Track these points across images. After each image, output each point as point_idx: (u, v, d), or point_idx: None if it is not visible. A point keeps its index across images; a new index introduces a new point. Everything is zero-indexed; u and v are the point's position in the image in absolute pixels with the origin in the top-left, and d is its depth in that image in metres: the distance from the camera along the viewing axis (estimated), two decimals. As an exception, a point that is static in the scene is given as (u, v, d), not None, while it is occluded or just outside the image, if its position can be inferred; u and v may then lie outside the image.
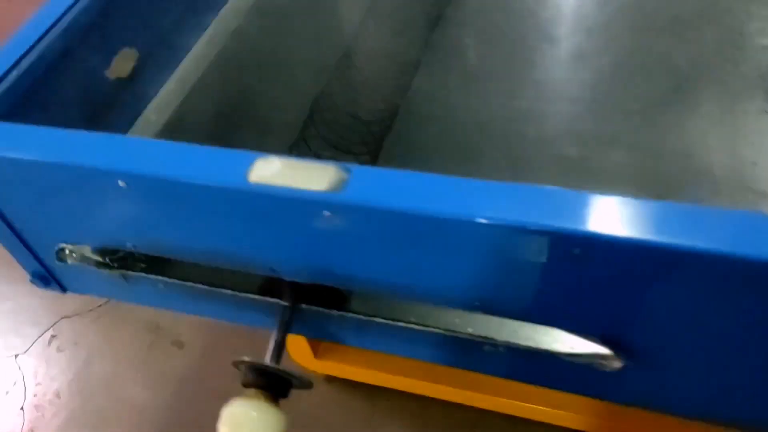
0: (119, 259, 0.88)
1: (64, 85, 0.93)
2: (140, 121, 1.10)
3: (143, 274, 0.88)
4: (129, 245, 0.83)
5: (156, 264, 0.86)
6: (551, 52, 1.12)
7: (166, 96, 1.14)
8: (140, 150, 0.72)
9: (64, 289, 0.98)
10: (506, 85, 1.07)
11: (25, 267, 0.95)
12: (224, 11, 1.23)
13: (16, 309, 2.08)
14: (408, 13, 1.15)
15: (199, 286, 0.84)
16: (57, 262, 0.89)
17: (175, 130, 1.10)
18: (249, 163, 0.68)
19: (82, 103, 0.98)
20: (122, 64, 0.95)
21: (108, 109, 1.04)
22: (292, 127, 1.09)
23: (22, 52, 0.87)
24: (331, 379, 1.84)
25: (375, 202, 0.64)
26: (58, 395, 1.90)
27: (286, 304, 0.82)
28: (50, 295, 2.16)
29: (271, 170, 0.68)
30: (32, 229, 0.88)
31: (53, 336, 2.02)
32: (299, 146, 0.97)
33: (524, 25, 1.17)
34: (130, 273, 0.88)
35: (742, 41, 1.07)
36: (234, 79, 1.18)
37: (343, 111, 0.97)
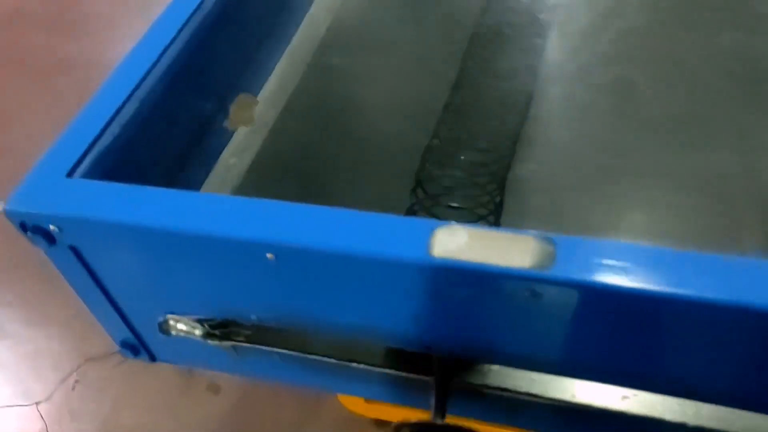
0: (230, 332, 0.78)
1: (156, 143, 0.83)
2: (218, 167, 1.00)
3: (258, 346, 0.77)
4: (253, 317, 0.73)
5: (277, 337, 0.76)
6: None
7: (245, 137, 1.04)
8: (292, 218, 0.62)
9: (153, 358, 0.87)
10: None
11: (113, 336, 0.84)
12: (298, 43, 1.13)
13: (36, 352, 1.94)
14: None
15: (332, 360, 0.74)
16: (158, 334, 0.79)
17: (260, 173, 0.99)
18: (428, 233, 0.59)
19: (166, 158, 0.88)
20: (241, 112, 0.84)
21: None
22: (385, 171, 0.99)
23: (117, 105, 0.76)
24: (381, 424, 1.74)
25: (591, 279, 0.55)
26: (84, 446, 1.77)
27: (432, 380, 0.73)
28: (72, 336, 2.03)
29: (457, 242, 0.58)
30: (132, 298, 0.77)
31: (77, 381, 1.88)
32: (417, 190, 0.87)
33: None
34: (244, 345, 0.78)
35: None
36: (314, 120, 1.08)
37: (460, 153, 0.88)
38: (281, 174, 1.00)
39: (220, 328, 0.78)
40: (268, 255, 0.62)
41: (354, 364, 0.73)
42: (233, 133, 1.02)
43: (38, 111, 2.47)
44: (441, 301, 0.62)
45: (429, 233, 0.59)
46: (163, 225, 0.64)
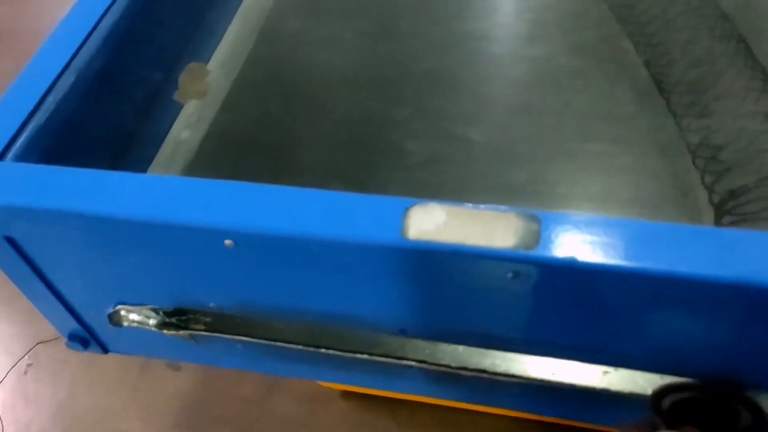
0: (188, 320, 0.72)
1: (99, 118, 0.75)
2: (168, 141, 0.93)
3: (218, 335, 0.72)
4: (212, 305, 0.68)
5: (239, 324, 0.71)
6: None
7: (196, 109, 0.96)
8: (251, 200, 0.56)
9: (106, 350, 0.81)
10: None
11: (60, 329, 0.78)
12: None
13: (-17, 337, 1.85)
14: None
15: (299, 347, 0.70)
16: (108, 325, 0.73)
17: (214, 147, 0.93)
18: (401, 213, 0.54)
19: (111, 134, 0.80)
20: (191, 83, 0.76)
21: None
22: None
23: (52, 77, 0.69)
24: (347, 395, 1.72)
25: (578, 259, 0.51)
26: (40, 433, 1.70)
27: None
28: (23, 319, 1.95)
29: (433, 222, 0.54)
30: (79, 289, 0.71)
31: (29, 365, 1.81)
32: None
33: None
34: (203, 334, 0.72)
35: None
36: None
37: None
38: (237, 148, 0.94)
39: (176, 316, 0.72)
40: (227, 242, 0.56)
41: (322, 350, 0.68)
42: (183, 105, 0.95)
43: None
44: (416, 285, 0.58)
45: (402, 212, 0.54)
46: (109, 212, 0.58)
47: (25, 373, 1.84)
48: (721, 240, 0.50)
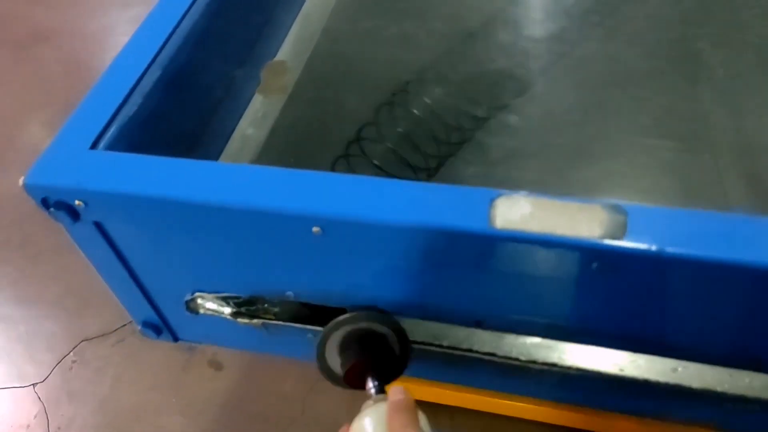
0: (260, 309, 0.74)
1: (178, 112, 0.78)
2: (236, 136, 0.96)
3: (292, 324, 0.74)
4: (290, 293, 0.70)
5: (313, 314, 0.73)
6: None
7: (262, 106, 0.99)
8: (339, 189, 0.58)
9: (176, 338, 0.83)
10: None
11: (134, 316, 0.81)
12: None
13: (30, 334, 1.89)
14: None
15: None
16: (185, 312, 0.75)
17: (280, 143, 0.95)
18: (487, 204, 0.56)
19: (187, 128, 0.83)
20: (274, 79, 0.79)
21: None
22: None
23: (139, 72, 0.72)
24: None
25: (666, 248, 0.52)
26: (84, 427, 1.73)
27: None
28: (67, 316, 1.98)
29: (519, 212, 0.55)
30: (158, 276, 0.73)
31: (74, 361, 1.84)
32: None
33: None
34: (278, 323, 0.74)
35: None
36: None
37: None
38: (302, 143, 0.96)
39: (248, 306, 0.74)
40: (314, 229, 0.58)
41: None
42: (249, 101, 0.98)
43: (22, 81, 2.38)
44: (501, 275, 0.59)
45: (488, 203, 0.56)
46: (195, 198, 0.60)
47: (70, 369, 1.88)
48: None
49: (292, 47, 1.02)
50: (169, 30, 0.77)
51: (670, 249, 0.52)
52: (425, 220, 0.55)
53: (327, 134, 0.91)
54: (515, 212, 0.55)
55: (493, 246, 0.55)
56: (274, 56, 1.00)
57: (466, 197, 0.57)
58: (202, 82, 0.81)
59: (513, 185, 0.78)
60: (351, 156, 0.81)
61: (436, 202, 0.56)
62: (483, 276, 0.60)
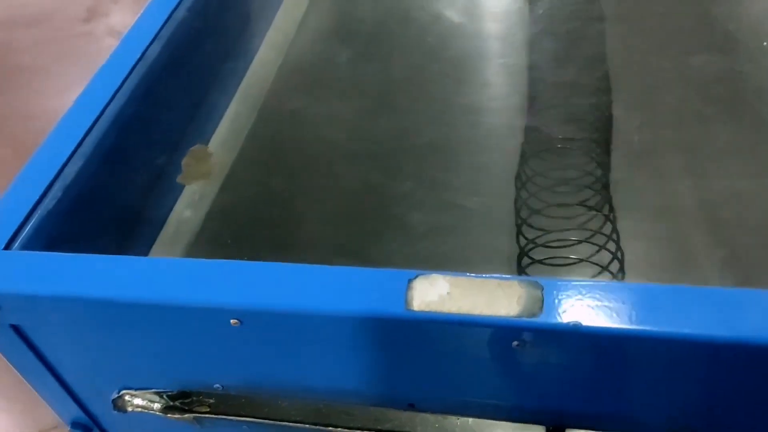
0: (192, 402, 0.71)
1: (105, 201, 0.77)
2: (172, 221, 0.94)
3: (223, 417, 0.71)
4: (217, 386, 0.67)
5: (244, 405, 0.70)
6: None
7: (199, 188, 0.98)
8: (255, 279, 0.57)
9: (109, 437, 0.79)
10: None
11: (62, 417, 0.77)
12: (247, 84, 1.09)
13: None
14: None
15: (305, 426, 0.69)
16: (112, 411, 0.72)
17: (217, 226, 0.94)
18: (404, 285, 0.55)
19: (116, 216, 0.82)
20: (195, 166, 0.78)
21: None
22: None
23: (60, 164, 0.71)
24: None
25: (580, 324, 0.51)
26: None
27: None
28: (22, 408, 1.91)
29: (437, 293, 0.54)
30: (83, 375, 0.71)
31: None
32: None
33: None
34: (209, 416, 0.71)
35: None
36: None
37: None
38: (239, 226, 0.95)
39: (181, 399, 0.72)
40: (232, 321, 0.57)
41: (330, 429, 0.67)
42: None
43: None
44: (423, 357, 0.58)
45: (405, 284, 0.55)
46: (114, 296, 0.58)
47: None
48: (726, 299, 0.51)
49: (228, 128, 1.02)
50: (95, 116, 0.76)
51: (587, 324, 0.51)
52: (340, 307, 0.54)
53: (261, 216, 0.90)
54: (433, 293, 0.54)
55: (412, 329, 0.54)
56: (209, 140, 1.00)
57: (383, 280, 0.55)
58: (131, 169, 0.81)
59: (437, 262, 0.78)
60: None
61: (352, 287, 0.55)
62: (410, 358, 0.58)
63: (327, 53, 1.13)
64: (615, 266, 0.76)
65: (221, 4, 1.06)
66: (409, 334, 0.55)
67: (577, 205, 0.79)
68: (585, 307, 0.52)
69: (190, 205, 0.96)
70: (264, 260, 0.59)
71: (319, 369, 0.61)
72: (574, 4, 1.13)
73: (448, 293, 0.54)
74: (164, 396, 0.71)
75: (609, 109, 0.91)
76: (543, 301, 0.52)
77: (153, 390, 0.70)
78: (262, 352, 0.60)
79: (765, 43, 1.04)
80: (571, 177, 0.82)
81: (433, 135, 0.93)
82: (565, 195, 0.80)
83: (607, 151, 0.85)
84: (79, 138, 0.74)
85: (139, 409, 0.71)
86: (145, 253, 0.89)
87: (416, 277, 0.55)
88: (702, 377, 0.54)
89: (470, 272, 0.55)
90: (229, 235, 0.93)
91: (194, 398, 0.72)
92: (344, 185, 0.89)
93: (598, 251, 0.76)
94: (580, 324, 0.51)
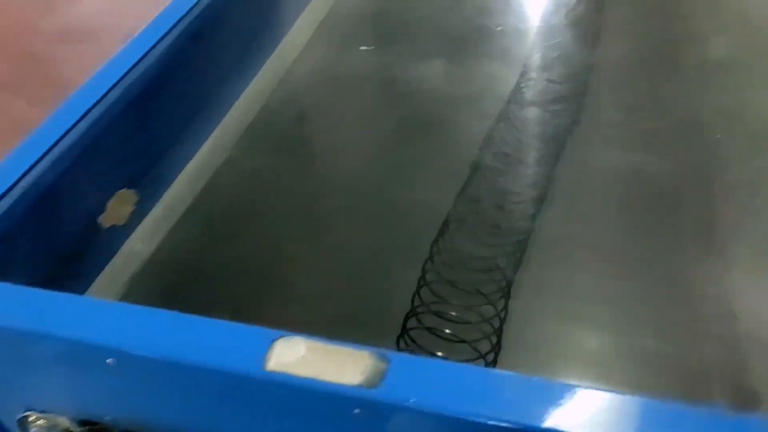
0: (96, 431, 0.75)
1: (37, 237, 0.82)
2: (124, 251, 1.00)
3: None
4: (107, 419, 0.71)
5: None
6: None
7: (154, 221, 1.04)
8: (135, 321, 0.61)
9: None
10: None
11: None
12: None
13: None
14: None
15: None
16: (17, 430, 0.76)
17: (166, 260, 0.99)
18: (267, 344, 0.58)
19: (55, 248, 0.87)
20: (118, 208, 0.84)
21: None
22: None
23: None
24: None
25: (414, 401, 0.54)
26: None
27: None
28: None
29: (294, 355, 0.57)
30: (-7, 391, 0.75)
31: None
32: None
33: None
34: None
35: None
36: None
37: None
38: (187, 263, 1.00)
39: (89, 426, 0.75)
40: (108, 360, 0.61)
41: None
42: (143, 217, 1.03)
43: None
44: (283, 415, 0.60)
45: (269, 344, 0.58)
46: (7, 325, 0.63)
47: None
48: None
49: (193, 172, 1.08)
50: (43, 150, 0.82)
51: (420, 402, 0.53)
52: (202, 359, 0.58)
53: (212, 257, 0.95)
54: (291, 355, 0.57)
55: (267, 387, 0.57)
56: (175, 178, 1.06)
57: (252, 337, 0.59)
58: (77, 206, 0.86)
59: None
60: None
61: (220, 340, 0.59)
62: (268, 415, 0.61)
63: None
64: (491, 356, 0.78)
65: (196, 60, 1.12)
66: (265, 392, 0.58)
67: (477, 291, 0.82)
68: (423, 385, 0.54)
69: (144, 238, 1.02)
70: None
71: (187, 415, 0.65)
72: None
73: (303, 357, 0.57)
74: (70, 421, 0.75)
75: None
76: (385, 374, 0.55)
77: (58, 414, 0.74)
78: (135, 392, 0.64)
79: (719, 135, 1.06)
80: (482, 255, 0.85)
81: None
82: (472, 273, 0.84)
83: (524, 246, 0.88)
84: (24, 168, 0.80)
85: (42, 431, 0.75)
86: (90, 284, 0.94)
87: (279, 338, 0.58)
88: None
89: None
90: (178, 270, 0.98)
91: (101, 427, 0.75)
92: (270, 243, 0.95)
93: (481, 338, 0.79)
94: (409, 401, 0.53)
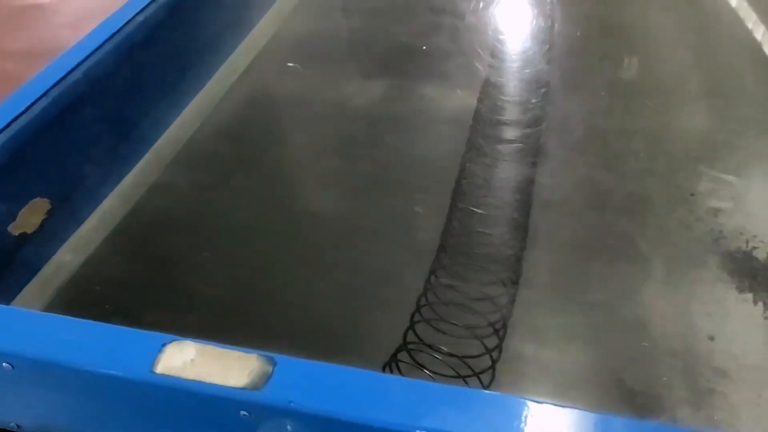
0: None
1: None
2: (53, 262, 1.00)
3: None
4: (12, 425, 0.71)
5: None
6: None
7: (86, 234, 1.04)
8: (29, 326, 0.62)
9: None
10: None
11: None
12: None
13: None
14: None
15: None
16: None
17: (93, 273, 0.99)
18: (159, 349, 0.59)
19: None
20: (29, 216, 0.85)
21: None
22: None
23: None
24: None
25: (299, 403, 0.55)
26: None
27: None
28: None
29: (182, 359, 0.58)
30: None
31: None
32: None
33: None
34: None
35: (694, 202, 1.05)
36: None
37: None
38: (114, 274, 1.01)
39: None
40: (4, 364, 0.61)
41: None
42: (75, 230, 1.04)
43: None
44: (174, 419, 0.61)
45: (159, 348, 0.59)
46: None
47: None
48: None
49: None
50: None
51: (300, 403, 0.54)
52: (90, 363, 0.58)
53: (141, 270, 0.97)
54: (179, 359, 0.58)
55: (155, 390, 0.58)
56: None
57: (143, 341, 0.60)
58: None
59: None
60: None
61: (111, 345, 0.60)
62: (160, 416, 0.62)
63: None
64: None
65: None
66: (153, 395, 0.59)
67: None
68: (306, 388, 0.55)
69: (75, 250, 1.03)
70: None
71: (85, 416, 0.65)
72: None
73: (192, 360, 0.58)
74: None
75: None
76: (270, 376, 0.56)
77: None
78: (35, 396, 0.64)
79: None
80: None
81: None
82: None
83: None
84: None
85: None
86: (17, 294, 0.94)
87: (171, 342, 0.59)
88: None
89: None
90: (103, 281, 0.99)
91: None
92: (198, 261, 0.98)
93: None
94: (291, 403, 0.54)
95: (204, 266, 0.98)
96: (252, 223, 1.04)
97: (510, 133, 1.18)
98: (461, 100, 1.26)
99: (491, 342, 0.85)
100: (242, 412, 0.57)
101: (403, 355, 0.83)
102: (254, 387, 0.56)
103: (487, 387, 0.81)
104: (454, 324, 0.86)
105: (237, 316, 0.89)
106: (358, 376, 0.57)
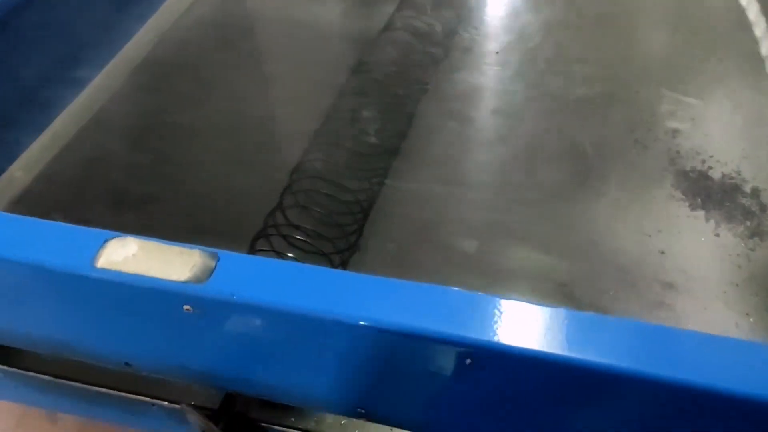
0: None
1: None
2: (4, 178, 0.98)
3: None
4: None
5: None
6: (457, 131, 1.07)
7: (38, 152, 1.02)
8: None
9: None
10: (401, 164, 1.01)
11: None
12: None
13: None
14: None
15: (43, 377, 0.72)
16: None
17: (45, 188, 0.98)
18: (100, 244, 0.58)
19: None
20: None
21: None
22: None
23: None
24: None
25: (243, 296, 0.55)
26: None
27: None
28: None
29: (124, 254, 0.58)
30: None
31: None
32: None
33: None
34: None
35: (653, 123, 1.05)
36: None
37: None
38: (71, 190, 1.00)
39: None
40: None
41: (62, 381, 0.70)
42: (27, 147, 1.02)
43: None
44: (117, 315, 0.61)
45: (101, 244, 0.58)
46: None
47: None
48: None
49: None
50: None
51: (244, 296, 0.54)
52: (33, 258, 0.58)
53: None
54: (121, 254, 0.57)
55: (97, 285, 0.57)
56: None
57: (87, 238, 0.59)
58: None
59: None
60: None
61: (53, 241, 0.59)
62: (103, 312, 0.62)
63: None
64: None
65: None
66: (96, 289, 0.58)
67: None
68: (248, 280, 0.55)
69: (26, 167, 1.01)
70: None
71: (31, 313, 0.65)
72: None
73: (133, 255, 0.57)
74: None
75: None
76: (213, 270, 0.56)
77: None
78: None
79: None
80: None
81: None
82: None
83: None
84: None
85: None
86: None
87: (112, 238, 0.58)
88: (365, 361, 0.58)
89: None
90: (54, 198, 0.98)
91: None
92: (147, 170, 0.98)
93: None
94: (233, 295, 0.54)
95: (157, 175, 0.98)
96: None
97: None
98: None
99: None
100: (185, 306, 0.57)
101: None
102: (197, 281, 0.55)
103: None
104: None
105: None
106: (296, 269, 0.57)
